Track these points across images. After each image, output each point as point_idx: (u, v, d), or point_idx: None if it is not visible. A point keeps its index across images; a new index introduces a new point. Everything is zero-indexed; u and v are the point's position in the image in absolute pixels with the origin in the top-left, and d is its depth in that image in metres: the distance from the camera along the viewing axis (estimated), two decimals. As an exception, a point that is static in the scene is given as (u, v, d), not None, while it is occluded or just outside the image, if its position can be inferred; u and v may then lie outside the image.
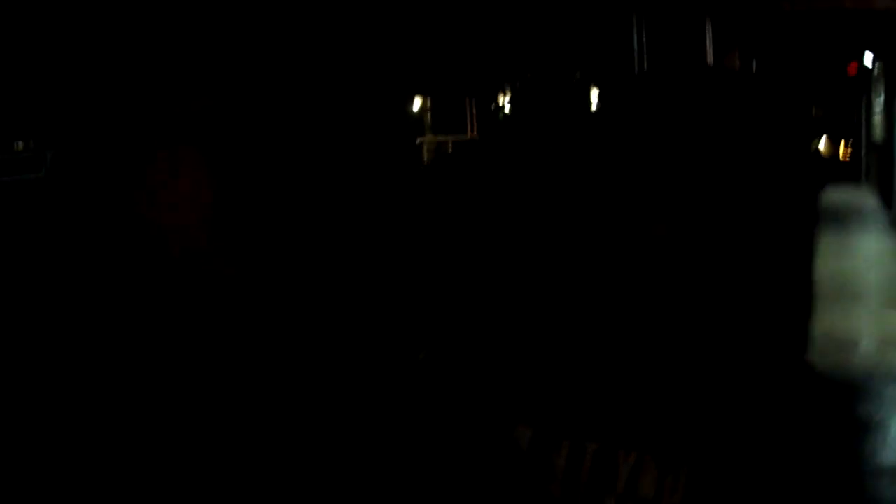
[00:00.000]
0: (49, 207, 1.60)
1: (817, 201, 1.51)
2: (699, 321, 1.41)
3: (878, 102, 27.40)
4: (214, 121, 1.47)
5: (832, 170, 35.18)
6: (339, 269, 1.56)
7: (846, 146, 39.36)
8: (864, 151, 32.98)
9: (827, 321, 11.69)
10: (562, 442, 1.43)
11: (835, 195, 27.94)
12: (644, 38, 11.77)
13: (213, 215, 1.52)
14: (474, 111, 28.14)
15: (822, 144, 39.93)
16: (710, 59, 17.17)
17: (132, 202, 1.51)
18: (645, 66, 11.46)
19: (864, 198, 27.49)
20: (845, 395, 9.68)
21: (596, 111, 1.50)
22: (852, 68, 30.92)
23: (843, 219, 22.43)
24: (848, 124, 38.18)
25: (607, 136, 1.36)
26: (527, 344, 1.47)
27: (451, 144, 25.10)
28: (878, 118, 27.90)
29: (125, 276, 1.50)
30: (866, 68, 28.96)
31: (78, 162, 1.54)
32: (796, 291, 1.47)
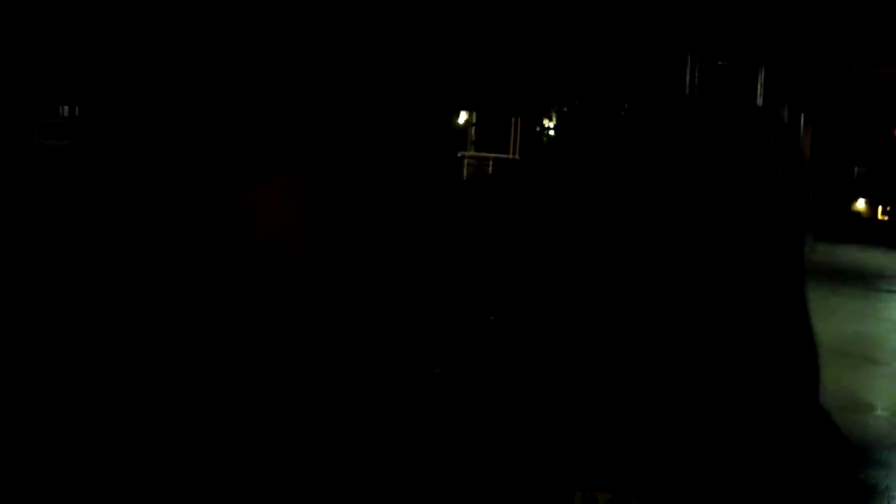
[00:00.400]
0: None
1: (799, 251, 1.50)
2: (702, 368, 1.42)
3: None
4: (307, 135, 1.52)
5: (868, 230, 34.96)
6: (379, 271, 1.59)
7: (884, 209, 39.16)
8: (903, 215, 32.73)
9: (845, 382, 11.63)
10: (574, 492, 1.42)
11: (867, 256, 27.78)
12: (696, 78, 11.75)
13: (300, 213, 1.57)
14: (518, 131, 28.15)
15: (861, 204, 39.75)
16: (759, 104, 17.12)
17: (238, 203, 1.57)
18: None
19: (898, 262, 27.30)
20: (854, 457, 9.59)
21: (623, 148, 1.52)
22: (899, 131, 30.80)
23: (873, 281, 22.29)
24: (889, 186, 37.99)
25: (624, 173, 1.39)
26: (542, 382, 1.48)
27: (491, 162, 25.12)
28: (920, 184, 27.75)
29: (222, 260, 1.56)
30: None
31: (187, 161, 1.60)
32: (790, 338, 1.47)
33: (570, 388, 1.42)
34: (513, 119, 27.21)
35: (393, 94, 1.62)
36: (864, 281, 21.93)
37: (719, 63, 16.00)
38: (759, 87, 16.43)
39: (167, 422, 1.54)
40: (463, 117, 26.26)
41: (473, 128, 28.21)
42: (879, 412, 11.21)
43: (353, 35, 1.61)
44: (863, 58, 16.31)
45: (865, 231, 34.53)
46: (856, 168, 39.80)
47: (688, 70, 10.17)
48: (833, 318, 17.16)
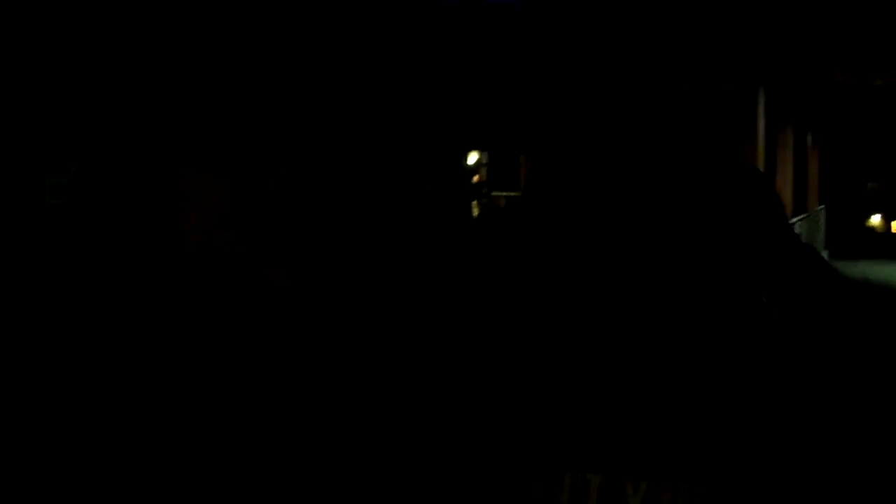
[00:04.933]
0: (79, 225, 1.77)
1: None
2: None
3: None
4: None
5: (884, 245, 34.67)
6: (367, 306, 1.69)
7: (899, 221, 38.86)
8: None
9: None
10: (565, 474, 1.45)
11: (884, 270, 27.58)
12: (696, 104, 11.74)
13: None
14: (529, 168, 28.14)
15: (876, 219, 39.44)
16: (761, 130, 17.10)
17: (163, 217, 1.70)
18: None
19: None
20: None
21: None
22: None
23: (886, 295, 22.12)
24: (905, 200, 37.78)
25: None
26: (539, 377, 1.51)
27: (503, 200, 25.18)
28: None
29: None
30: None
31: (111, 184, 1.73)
32: None
33: (563, 381, 1.48)
34: (523, 157, 27.26)
35: (410, 143, 1.74)
36: (875, 293, 21.77)
37: (718, 89, 15.99)
38: (759, 108, 16.41)
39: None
40: (473, 158, 26.34)
41: (485, 168, 28.29)
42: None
43: (370, 90, 1.73)
44: (860, 70, 16.33)
45: (881, 246, 34.27)
46: (868, 184, 39.63)
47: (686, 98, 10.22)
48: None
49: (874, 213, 39.38)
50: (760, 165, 17.32)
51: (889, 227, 39.49)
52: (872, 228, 39.18)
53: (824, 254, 29.32)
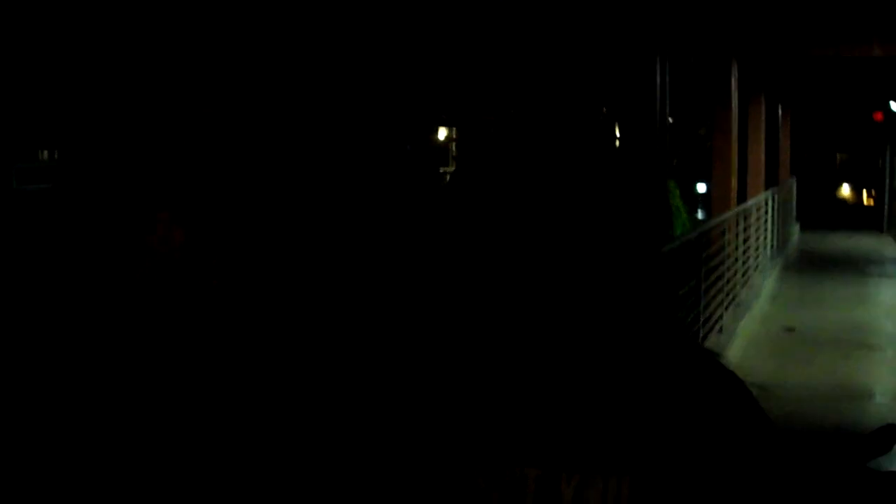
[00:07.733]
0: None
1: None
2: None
3: (903, 150, 27.29)
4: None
5: (854, 216, 35.02)
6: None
7: (869, 193, 39.29)
8: (887, 199, 32.71)
9: (842, 371, 11.63)
10: (506, 470, 1.42)
11: (855, 242, 27.82)
12: (667, 77, 11.71)
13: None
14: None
15: (846, 190, 39.87)
16: (734, 101, 17.16)
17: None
18: (667, 106, 11.45)
19: (885, 246, 27.31)
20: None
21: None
22: (878, 115, 30.81)
23: (862, 267, 22.30)
24: (872, 171, 38.08)
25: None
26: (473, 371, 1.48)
27: (473, 174, 25.22)
28: (902, 166, 27.79)
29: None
30: (893, 115, 28.86)
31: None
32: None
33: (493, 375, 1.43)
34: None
35: (373, 123, 1.64)
36: (853, 266, 21.97)
37: (690, 60, 16.02)
38: (732, 80, 16.44)
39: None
40: (443, 134, 26.33)
41: (454, 143, 28.30)
42: (878, 399, 11.18)
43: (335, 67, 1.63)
44: (834, 42, 16.37)
45: (851, 217, 34.60)
46: (837, 155, 39.96)
47: (657, 70, 10.19)
48: (825, 305, 17.19)
49: (843, 184, 39.75)
50: (733, 136, 17.39)
51: (859, 198, 39.92)
52: (843, 200, 39.58)
53: (796, 226, 29.60)
